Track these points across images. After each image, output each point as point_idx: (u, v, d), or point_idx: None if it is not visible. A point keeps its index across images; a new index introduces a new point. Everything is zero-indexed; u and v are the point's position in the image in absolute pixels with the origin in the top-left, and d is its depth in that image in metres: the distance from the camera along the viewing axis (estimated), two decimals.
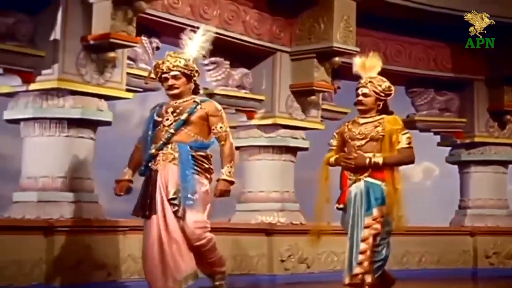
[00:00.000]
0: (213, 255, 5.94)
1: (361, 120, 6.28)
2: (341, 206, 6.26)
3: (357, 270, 6.06)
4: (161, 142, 5.83)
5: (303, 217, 9.11)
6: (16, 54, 6.84)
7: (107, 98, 7.23)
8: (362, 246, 6.07)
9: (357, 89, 6.30)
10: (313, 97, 9.06)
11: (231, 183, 5.90)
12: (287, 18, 9.05)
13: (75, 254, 6.79)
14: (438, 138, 11.35)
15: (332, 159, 6.31)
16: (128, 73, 7.41)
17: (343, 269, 6.23)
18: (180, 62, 5.94)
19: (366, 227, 6.09)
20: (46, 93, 6.98)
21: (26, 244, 6.58)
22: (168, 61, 5.94)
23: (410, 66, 10.33)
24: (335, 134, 6.48)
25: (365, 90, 6.24)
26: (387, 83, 6.34)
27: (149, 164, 5.86)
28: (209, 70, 8.80)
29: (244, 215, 9.04)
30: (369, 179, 6.15)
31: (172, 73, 5.88)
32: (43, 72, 6.92)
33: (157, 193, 5.77)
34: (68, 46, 6.94)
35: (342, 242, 6.34)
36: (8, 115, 7.15)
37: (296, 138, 9.18)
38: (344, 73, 9.18)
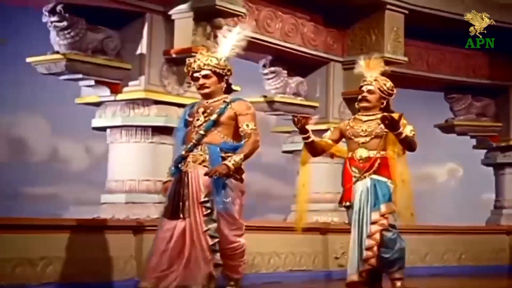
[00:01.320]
0: (238, 261, 5.78)
1: (364, 118, 6.28)
2: (348, 204, 6.24)
3: (364, 266, 6.09)
4: (191, 143, 5.70)
5: None
6: (105, 67, 7.42)
7: (185, 106, 7.79)
8: (369, 242, 6.09)
9: (361, 86, 6.34)
10: None
11: (229, 169, 5.52)
12: (340, 30, 9.64)
13: None
14: (473, 141, 11.94)
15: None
16: None
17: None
18: (211, 60, 5.76)
19: (373, 223, 6.09)
20: (133, 102, 7.56)
21: (117, 242, 7.10)
22: (199, 59, 5.79)
23: (450, 73, 10.92)
24: (332, 128, 6.57)
25: (370, 87, 6.27)
26: (390, 83, 6.40)
27: (179, 166, 5.73)
28: (268, 79, 9.40)
29: None
30: (375, 176, 6.15)
31: (203, 72, 5.73)
32: (130, 83, 7.51)
33: (190, 195, 5.64)
34: (153, 59, 7.52)
35: None
36: (96, 123, 7.70)
37: None
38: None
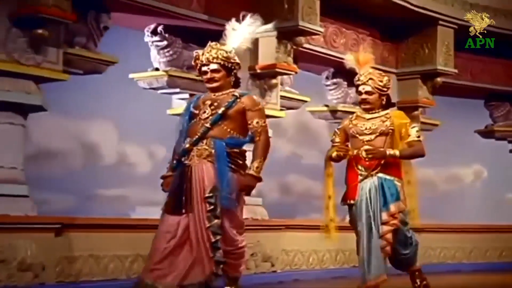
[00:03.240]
0: (238, 261, 5.60)
1: (367, 116, 6.16)
2: (352, 202, 6.08)
3: (378, 269, 5.94)
4: (197, 136, 5.47)
5: None
6: (199, 81, 7.93)
7: (268, 116, 8.54)
8: (382, 243, 5.95)
9: (358, 86, 6.21)
10: (416, 112, 10.42)
11: (258, 179, 5.50)
12: (394, 44, 10.40)
13: (250, 248, 7.97)
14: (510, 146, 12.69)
15: (334, 154, 6.15)
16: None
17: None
18: (220, 54, 5.57)
19: (384, 223, 5.95)
20: None
21: None
22: (208, 52, 5.58)
23: (491, 82, 11.63)
24: (337, 130, 6.36)
25: (368, 88, 6.12)
26: (386, 77, 6.26)
27: (183, 159, 5.50)
28: (330, 90, 10.17)
29: None
30: (382, 175, 6.02)
31: (212, 66, 5.55)
32: None
33: (193, 190, 5.42)
34: (240, 75, 8.26)
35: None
36: None
37: None
38: (440, 90, 10.59)
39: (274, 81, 8.37)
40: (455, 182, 14.71)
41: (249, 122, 5.54)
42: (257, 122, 5.54)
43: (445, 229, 10.97)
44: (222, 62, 5.57)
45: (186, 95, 8.16)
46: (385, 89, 6.17)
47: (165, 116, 8.39)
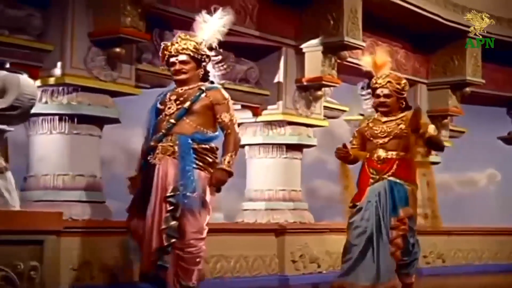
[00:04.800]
0: (193, 267, 5.32)
1: (383, 119, 6.15)
2: (358, 204, 6.08)
3: (389, 274, 5.96)
4: (161, 133, 5.31)
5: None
6: (249, 93, 8.65)
7: (312, 126, 9.06)
8: (391, 248, 5.95)
9: (375, 89, 6.16)
10: (446, 120, 10.93)
11: (230, 174, 5.32)
12: (425, 55, 10.90)
13: (299, 249, 8.60)
14: None
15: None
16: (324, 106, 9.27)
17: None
18: (190, 45, 5.41)
19: (392, 228, 5.93)
20: (270, 123, 8.81)
21: (262, 242, 8.34)
22: (178, 43, 5.43)
23: None
24: (355, 133, 6.40)
25: (386, 91, 6.10)
26: (403, 80, 6.25)
27: (149, 158, 5.35)
28: (365, 99, 10.65)
29: None
30: (393, 178, 5.99)
31: (181, 57, 5.39)
32: (269, 107, 8.77)
33: (153, 189, 5.23)
34: (288, 87, 8.78)
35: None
36: None
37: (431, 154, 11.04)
38: (468, 99, 11.12)
39: (319, 92, 8.88)
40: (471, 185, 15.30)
41: (217, 116, 5.39)
42: (225, 116, 5.40)
43: (472, 231, 11.49)
44: (191, 54, 5.41)
45: (238, 106, 8.67)
46: (403, 92, 6.16)
47: None
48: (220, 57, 8.42)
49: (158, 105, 5.43)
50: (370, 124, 6.17)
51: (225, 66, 8.45)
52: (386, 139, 6.03)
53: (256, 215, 8.73)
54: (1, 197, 4.17)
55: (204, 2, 7.01)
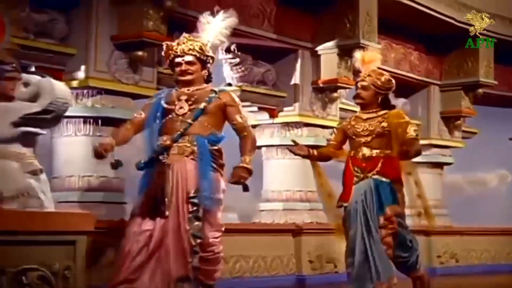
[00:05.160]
0: (213, 267, 5.39)
1: (364, 116, 6.00)
2: (346, 204, 5.96)
3: (388, 272, 5.86)
4: (178, 133, 5.27)
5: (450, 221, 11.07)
6: (266, 95, 8.79)
7: (328, 127, 9.15)
8: (382, 247, 5.85)
9: (357, 83, 6.08)
10: (458, 122, 11.04)
11: (250, 171, 5.33)
12: (438, 57, 11.00)
13: (316, 249, 8.70)
14: None
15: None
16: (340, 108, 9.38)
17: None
18: (197, 45, 5.41)
19: (381, 227, 5.84)
20: (287, 125, 8.93)
21: (279, 242, 8.43)
22: (184, 43, 5.42)
23: None
24: (335, 130, 6.37)
25: (364, 83, 5.97)
26: (386, 76, 6.05)
27: (160, 157, 5.27)
28: None
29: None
30: (378, 177, 5.86)
31: (187, 57, 5.37)
32: (285, 109, 8.89)
33: (174, 190, 5.19)
34: (304, 89, 8.89)
35: None
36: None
37: (444, 155, 11.16)
38: (480, 100, 11.22)
39: (335, 94, 8.99)
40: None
41: (231, 118, 5.40)
42: (241, 117, 5.41)
43: (485, 231, 11.59)
44: (198, 55, 5.41)
45: (255, 108, 8.78)
46: (382, 87, 5.98)
47: None
48: (238, 59, 8.55)
49: (165, 105, 5.40)
50: (352, 122, 6.04)
51: (242, 69, 8.57)
52: (369, 138, 5.92)
53: (273, 216, 8.84)
54: (37, 199, 4.28)
55: (223, 5, 7.09)
